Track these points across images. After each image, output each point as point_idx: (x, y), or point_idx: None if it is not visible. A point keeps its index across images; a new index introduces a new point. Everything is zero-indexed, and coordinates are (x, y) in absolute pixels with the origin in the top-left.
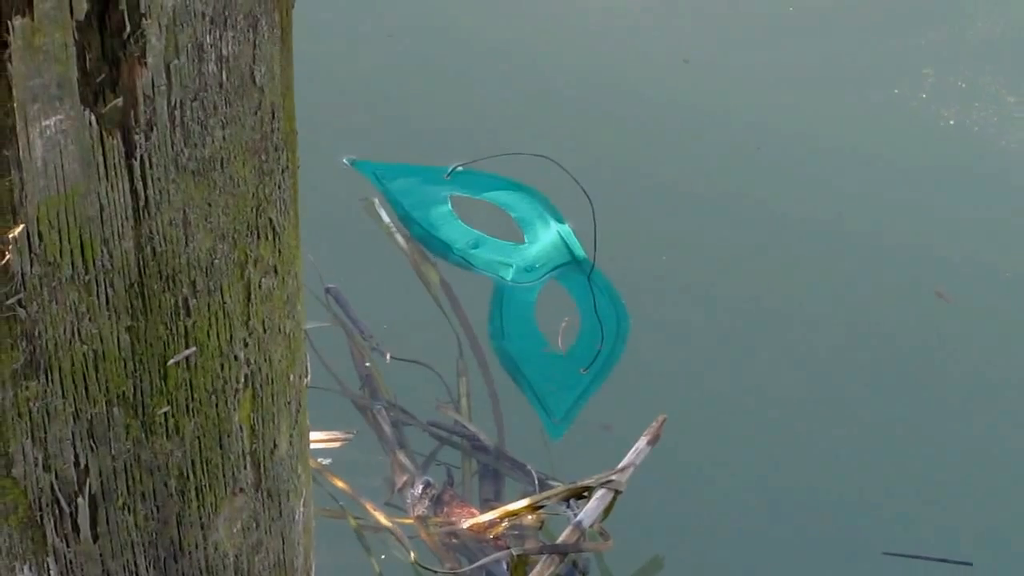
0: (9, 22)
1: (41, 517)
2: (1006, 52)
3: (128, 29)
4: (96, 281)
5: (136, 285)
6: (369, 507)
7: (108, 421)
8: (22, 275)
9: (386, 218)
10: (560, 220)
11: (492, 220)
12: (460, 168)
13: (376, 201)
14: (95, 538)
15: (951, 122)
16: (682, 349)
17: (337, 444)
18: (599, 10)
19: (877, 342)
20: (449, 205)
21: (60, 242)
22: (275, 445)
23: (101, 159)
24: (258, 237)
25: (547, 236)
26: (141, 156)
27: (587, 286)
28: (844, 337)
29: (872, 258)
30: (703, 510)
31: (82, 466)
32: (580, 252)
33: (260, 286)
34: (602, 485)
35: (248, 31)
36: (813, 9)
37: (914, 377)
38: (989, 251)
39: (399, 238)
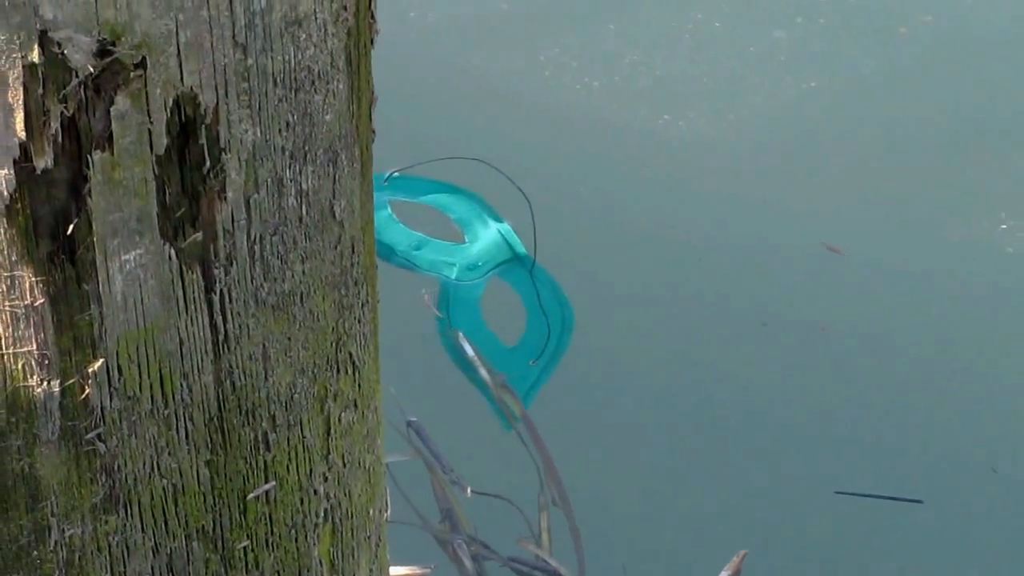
0: (89, 156)
1: None
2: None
3: (208, 163)
4: (175, 415)
5: (216, 419)
6: None
7: (187, 555)
8: (101, 409)
9: (470, 351)
10: (498, 219)
11: (432, 222)
12: (397, 174)
13: (460, 334)
14: None
15: None
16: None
17: None
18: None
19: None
20: (389, 209)
21: (139, 376)
22: None
23: (181, 293)
24: (338, 371)
25: (487, 235)
26: (221, 290)
27: (530, 281)
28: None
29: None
30: (654, 458)
31: None
32: (521, 249)
33: (340, 420)
34: None
35: (328, 165)
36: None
37: (867, 310)
38: None
39: (483, 371)
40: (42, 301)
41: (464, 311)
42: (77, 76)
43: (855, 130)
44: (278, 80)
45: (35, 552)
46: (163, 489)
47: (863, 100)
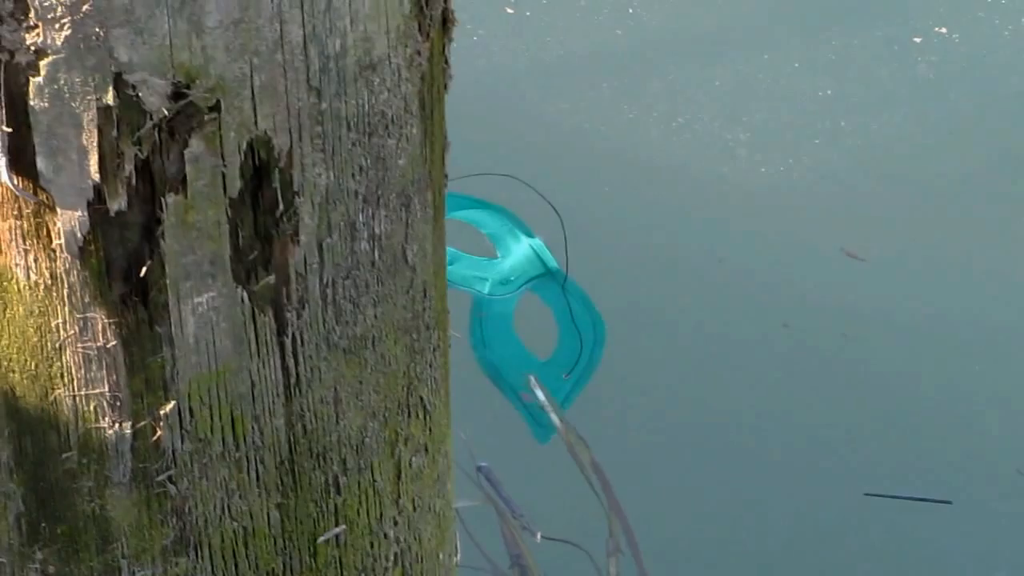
0: (162, 199)
1: None
2: None
3: (281, 207)
4: (247, 458)
5: (286, 462)
6: None
7: None
8: (173, 451)
9: (541, 396)
10: (530, 235)
11: (465, 237)
12: None
13: (533, 379)
14: None
15: None
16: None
17: None
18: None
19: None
20: None
21: (211, 419)
22: None
23: (253, 336)
24: (409, 416)
25: (519, 250)
26: (293, 334)
27: (562, 295)
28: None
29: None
30: (681, 463)
31: None
32: (553, 263)
33: (410, 465)
34: None
35: (401, 210)
36: None
37: (892, 318)
38: None
39: (553, 416)
40: (114, 343)
41: (497, 326)
42: (151, 119)
43: (879, 137)
44: (352, 124)
45: None
46: (233, 532)
47: (884, 106)
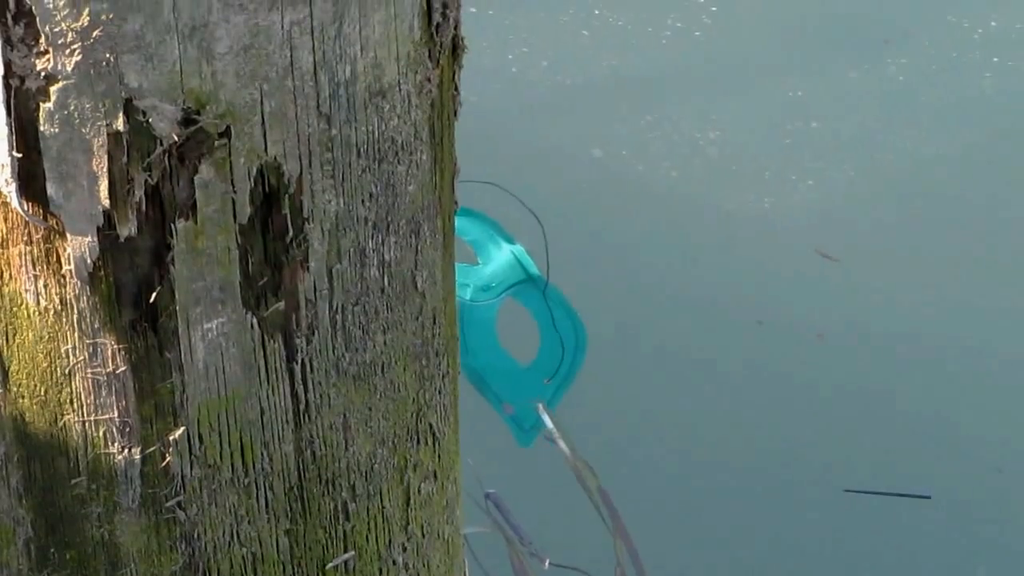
0: (172, 224)
1: None
2: None
3: (291, 233)
4: (256, 484)
5: (296, 488)
6: None
7: None
8: (182, 477)
9: (549, 423)
10: (511, 241)
11: None
12: None
13: (540, 405)
14: None
15: None
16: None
17: None
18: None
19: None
20: None
21: (220, 445)
22: None
23: (262, 362)
24: (418, 442)
25: (501, 256)
26: (302, 360)
27: (543, 301)
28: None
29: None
30: (662, 453)
31: None
32: (534, 269)
33: (419, 491)
34: None
35: (410, 236)
36: None
37: (872, 313)
38: None
39: (562, 444)
40: (124, 369)
41: (479, 332)
42: (161, 144)
43: (851, 137)
44: (361, 150)
45: None
46: (242, 558)
47: (856, 107)
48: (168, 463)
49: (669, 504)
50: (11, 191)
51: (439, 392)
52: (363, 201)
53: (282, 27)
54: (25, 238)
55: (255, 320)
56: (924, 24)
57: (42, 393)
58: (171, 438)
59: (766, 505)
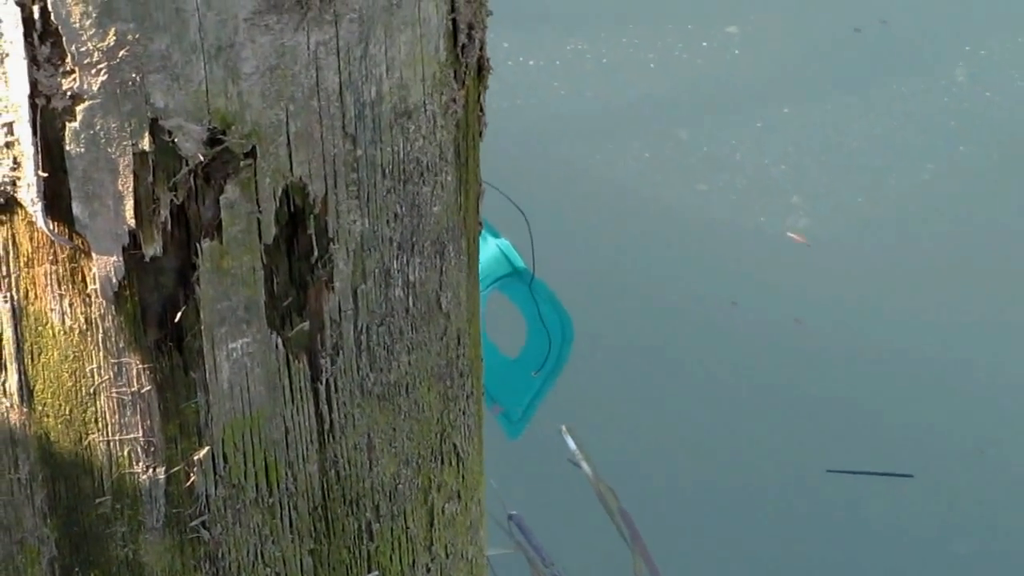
0: (198, 244)
1: None
2: None
3: (316, 253)
4: (280, 504)
5: (320, 508)
6: None
7: None
8: (206, 497)
9: (572, 445)
10: (496, 235)
11: None
12: None
13: (564, 428)
14: None
15: None
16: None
17: None
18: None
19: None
20: None
21: (245, 465)
22: None
23: (287, 382)
24: (442, 463)
25: (486, 250)
26: (327, 380)
27: (529, 294)
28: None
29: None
30: (651, 441)
31: None
32: (520, 263)
33: (443, 512)
34: None
35: (435, 257)
36: None
37: (848, 294)
38: None
39: (584, 465)
40: (149, 388)
41: None
42: (187, 164)
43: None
44: (387, 171)
45: None
46: None
47: (832, 91)
48: (193, 483)
49: (670, 504)
50: (37, 210)
51: (463, 413)
52: (388, 222)
53: (308, 48)
54: (51, 257)
55: (280, 340)
56: (947, 52)
57: (67, 412)
58: (196, 458)
59: (765, 505)
